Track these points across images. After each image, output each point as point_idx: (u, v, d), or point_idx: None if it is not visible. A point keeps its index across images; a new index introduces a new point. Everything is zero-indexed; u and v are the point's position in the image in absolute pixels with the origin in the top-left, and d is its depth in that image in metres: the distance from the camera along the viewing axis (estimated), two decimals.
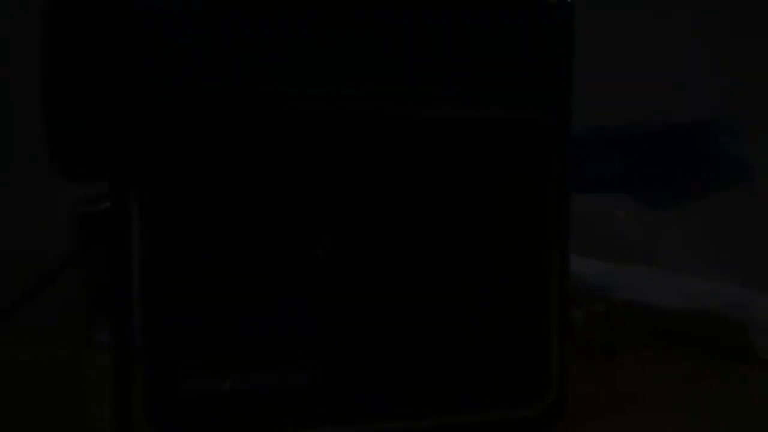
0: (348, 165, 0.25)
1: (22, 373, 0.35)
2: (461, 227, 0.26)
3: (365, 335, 0.26)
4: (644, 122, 0.42)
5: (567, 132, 0.28)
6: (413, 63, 0.26)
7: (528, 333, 0.27)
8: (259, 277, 0.25)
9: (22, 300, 0.35)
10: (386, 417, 0.26)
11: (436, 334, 0.26)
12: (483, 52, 0.27)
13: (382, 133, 0.26)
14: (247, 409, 0.25)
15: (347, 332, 0.26)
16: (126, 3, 0.23)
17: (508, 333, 0.27)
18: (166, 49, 0.24)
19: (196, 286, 0.24)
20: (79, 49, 0.25)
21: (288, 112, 0.25)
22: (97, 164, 0.24)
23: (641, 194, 0.42)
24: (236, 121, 0.24)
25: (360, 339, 0.26)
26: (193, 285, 0.24)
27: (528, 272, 0.27)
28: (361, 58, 0.25)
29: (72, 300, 0.28)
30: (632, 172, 0.41)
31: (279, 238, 0.25)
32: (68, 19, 0.26)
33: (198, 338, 0.24)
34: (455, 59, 0.26)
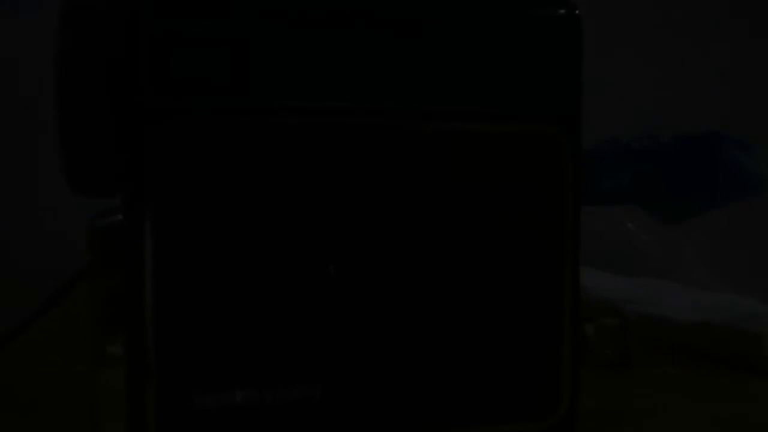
0: (361, 179, 0.25)
1: (36, 388, 0.35)
2: (472, 241, 0.27)
3: (378, 349, 0.26)
4: (656, 134, 0.42)
5: (578, 144, 0.28)
6: (422, 76, 0.26)
7: (540, 346, 0.27)
8: (272, 291, 0.25)
9: (35, 315, 0.35)
10: (397, 429, 0.26)
11: (448, 347, 0.26)
12: (492, 66, 0.27)
13: (393, 147, 0.26)
14: (260, 424, 0.25)
15: (361, 346, 0.26)
16: (142, 22, 0.24)
17: (520, 346, 0.27)
18: (181, 68, 0.24)
19: (209, 301, 0.24)
20: (95, 66, 0.25)
21: (299, 127, 0.25)
22: (111, 180, 0.25)
23: (654, 207, 0.42)
24: (249, 138, 0.25)
25: (373, 353, 0.26)
26: (206, 299, 0.24)
27: (539, 285, 0.27)
28: (373, 73, 0.26)
29: (86, 313, 0.28)
30: (645, 184, 0.41)
31: (292, 253, 0.25)
32: (83, 37, 0.26)
33: (211, 353, 0.24)
34: (464, 73, 0.26)
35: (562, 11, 0.27)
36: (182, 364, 0.24)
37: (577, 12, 0.27)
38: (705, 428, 0.31)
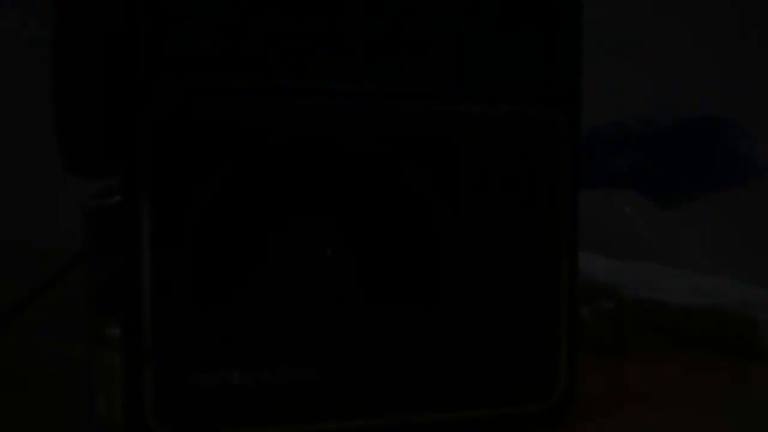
0: (356, 159, 0.25)
1: (34, 370, 0.35)
2: (469, 224, 0.26)
3: (375, 330, 0.26)
4: (655, 119, 0.42)
5: (577, 127, 0.28)
6: (422, 60, 0.26)
7: (537, 330, 0.27)
8: (269, 272, 0.25)
9: (32, 297, 0.35)
10: (394, 411, 0.26)
11: (445, 330, 0.26)
12: (492, 49, 0.27)
13: (390, 129, 0.26)
14: (256, 404, 0.25)
15: (357, 327, 0.26)
16: (139, 1, 0.23)
17: (517, 330, 0.27)
18: (179, 48, 0.24)
19: (206, 281, 0.24)
20: (91, 46, 0.25)
21: (296, 107, 0.25)
22: (107, 161, 0.25)
23: (651, 191, 0.42)
24: (246, 117, 0.24)
25: (369, 334, 0.26)
26: (202, 280, 0.24)
27: (537, 268, 0.27)
28: (369, 55, 0.26)
29: (83, 296, 0.28)
30: (642, 169, 0.41)
31: (289, 234, 0.25)
32: (79, 17, 0.26)
33: (208, 333, 0.24)
34: (465, 57, 0.26)
35: None
36: (179, 345, 0.24)
37: None
38: (701, 412, 0.31)
